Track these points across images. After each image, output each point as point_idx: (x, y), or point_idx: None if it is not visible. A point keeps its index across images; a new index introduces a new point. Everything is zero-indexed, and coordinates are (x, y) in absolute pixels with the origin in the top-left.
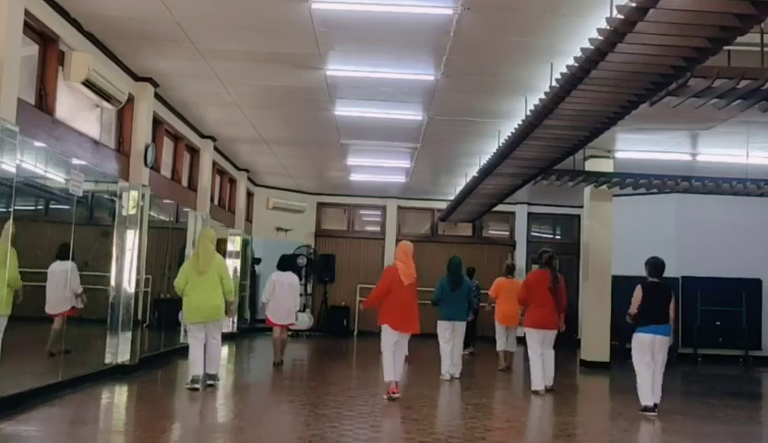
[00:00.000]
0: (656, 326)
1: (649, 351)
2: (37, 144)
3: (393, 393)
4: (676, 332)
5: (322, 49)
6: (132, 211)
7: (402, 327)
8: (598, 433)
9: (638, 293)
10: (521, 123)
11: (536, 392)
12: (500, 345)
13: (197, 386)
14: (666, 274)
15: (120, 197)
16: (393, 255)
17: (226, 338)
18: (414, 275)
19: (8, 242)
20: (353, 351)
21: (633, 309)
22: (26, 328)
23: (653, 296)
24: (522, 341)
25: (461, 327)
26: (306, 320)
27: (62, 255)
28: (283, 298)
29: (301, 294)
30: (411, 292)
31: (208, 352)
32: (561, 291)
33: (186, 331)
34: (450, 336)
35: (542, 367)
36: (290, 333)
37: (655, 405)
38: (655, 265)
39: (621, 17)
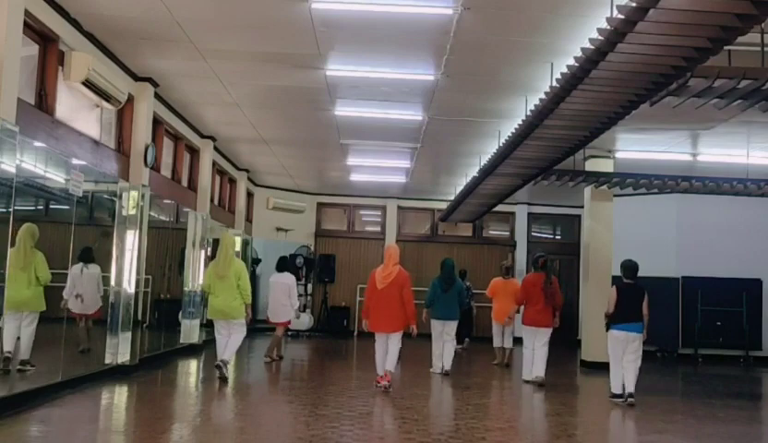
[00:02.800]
0: (628, 324)
1: (621, 346)
2: (37, 144)
3: (378, 383)
4: (676, 332)
5: (322, 49)
6: (132, 211)
7: (375, 326)
8: (598, 433)
9: (613, 294)
10: (521, 123)
11: (527, 381)
12: (497, 342)
13: (219, 363)
14: (667, 274)
15: (120, 197)
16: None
17: None
18: (391, 277)
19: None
20: (353, 351)
21: (610, 309)
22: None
23: (626, 297)
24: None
25: (452, 325)
26: (305, 320)
27: (86, 258)
28: (279, 298)
29: (300, 295)
30: (386, 294)
31: (229, 343)
32: (555, 290)
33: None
34: (441, 334)
35: (532, 360)
36: (290, 333)
37: (630, 394)
38: (629, 267)
39: (622, 16)
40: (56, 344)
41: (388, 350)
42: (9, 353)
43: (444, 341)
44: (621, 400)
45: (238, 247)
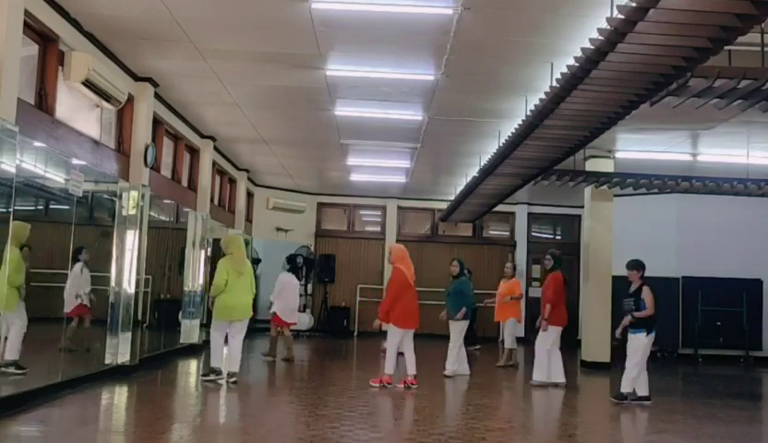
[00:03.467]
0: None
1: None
2: (37, 144)
3: (389, 383)
4: (676, 332)
5: (322, 49)
6: (132, 211)
7: (411, 324)
8: (598, 433)
9: (652, 295)
10: (521, 123)
11: (539, 383)
12: (510, 343)
13: (212, 377)
14: (666, 274)
15: (120, 197)
16: (387, 257)
17: None
18: (414, 277)
19: (7, 245)
20: (353, 351)
21: (651, 310)
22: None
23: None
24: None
25: None
26: (306, 320)
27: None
28: (293, 299)
29: (301, 295)
30: (414, 293)
31: (230, 351)
32: None
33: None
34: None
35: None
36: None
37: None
38: (644, 267)
39: (622, 16)
40: (56, 344)
41: (405, 352)
42: None
43: (461, 342)
44: (626, 401)
45: None
